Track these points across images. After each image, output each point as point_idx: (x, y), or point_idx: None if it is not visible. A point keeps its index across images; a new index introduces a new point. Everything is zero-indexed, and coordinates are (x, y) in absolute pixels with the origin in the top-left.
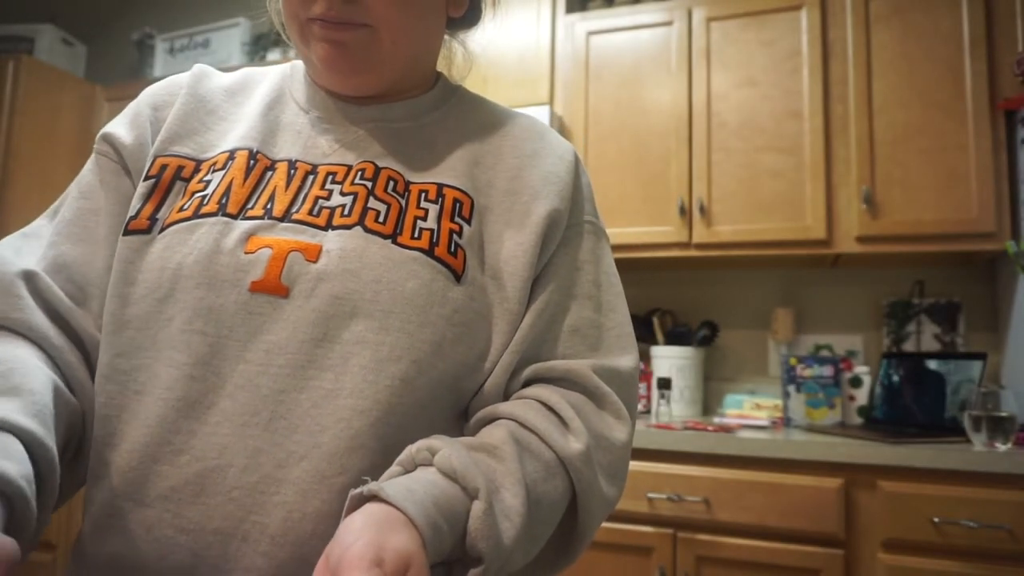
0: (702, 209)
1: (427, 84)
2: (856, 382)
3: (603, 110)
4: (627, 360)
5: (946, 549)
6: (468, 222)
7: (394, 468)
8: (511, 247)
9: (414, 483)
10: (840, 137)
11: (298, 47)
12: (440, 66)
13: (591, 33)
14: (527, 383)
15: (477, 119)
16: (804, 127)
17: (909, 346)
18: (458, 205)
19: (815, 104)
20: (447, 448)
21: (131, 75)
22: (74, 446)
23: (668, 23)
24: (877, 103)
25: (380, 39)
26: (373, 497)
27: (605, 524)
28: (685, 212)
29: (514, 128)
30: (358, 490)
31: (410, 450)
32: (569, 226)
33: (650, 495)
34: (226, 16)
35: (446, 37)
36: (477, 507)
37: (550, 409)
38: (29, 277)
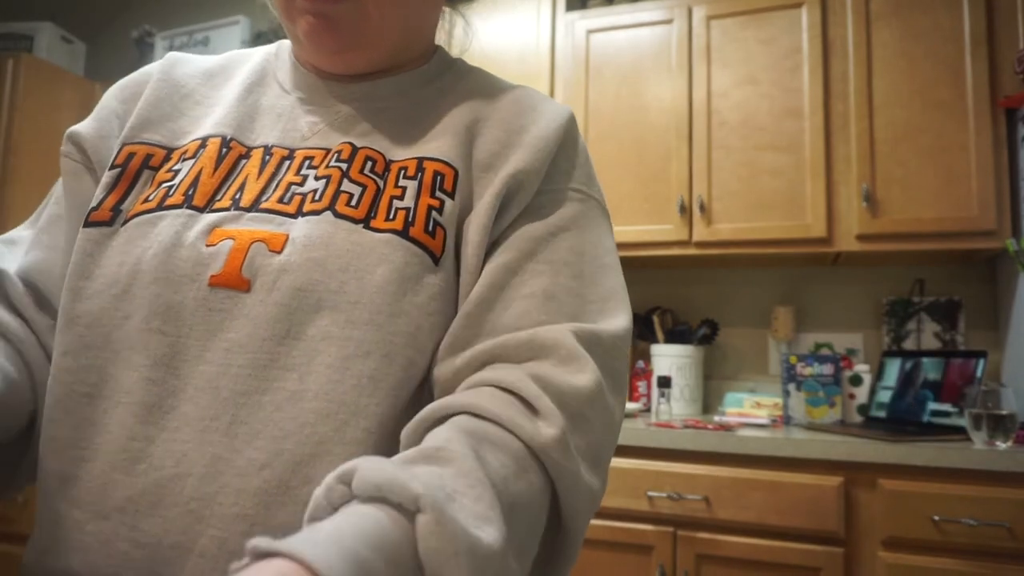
0: (702, 207)
1: (423, 58)
2: (856, 380)
3: (603, 108)
4: (611, 324)
5: (946, 547)
6: (451, 195)
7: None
8: (471, 216)
9: (319, 526)
10: (840, 135)
11: (284, 23)
12: (438, 39)
13: (591, 31)
14: (479, 366)
15: (469, 89)
16: (804, 125)
17: (909, 344)
18: (439, 178)
19: (815, 102)
20: (365, 465)
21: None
22: (16, 437)
23: (668, 21)
24: (877, 101)
25: (367, 12)
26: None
27: (605, 522)
28: (685, 210)
29: (507, 100)
30: (251, 544)
31: (317, 495)
32: (546, 192)
33: (650, 493)
34: (226, 14)
35: (445, 9)
36: (423, 522)
37: (509, 392)
38: None
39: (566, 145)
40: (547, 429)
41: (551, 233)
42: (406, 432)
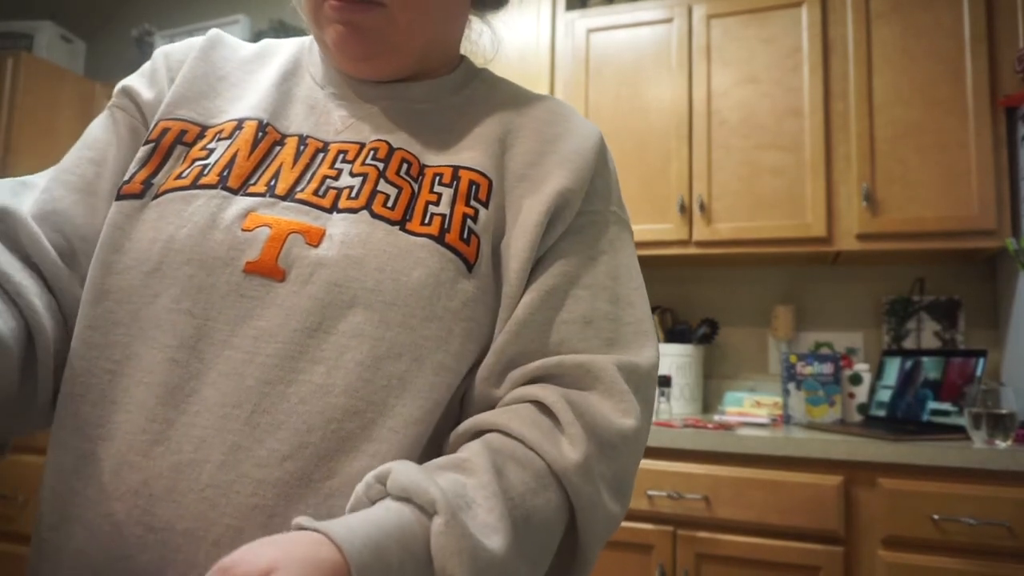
0: (702, 207)
1: (450, 67)
2: (856, 379)
3: (603, 108)
4: (646, 355)
5: (946, 546)
6: (485, 205)
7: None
8: (517, 230)
9: (354, 515)
10: (840, 134)
11: (312, 30)
12: (463, 48)
13: (591, 30)
14: (529, 382)
15: (499, 99)
16: (804, 124)
17: (909, 343)
18: (474, 187)
19: (815, 101)
20: (397, 468)
21: (130, 72)
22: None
23: (668, 20)
24: (878, 100)
25: (395, 20)
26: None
27: None
28: (685, 210)
29: (538, 110)
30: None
31: (358, 490)
32: (586, 212)
33: (650, 493)
34: (226, 13)
35: (471, 17)
36: (436, 523)
37: (544, 410)
38: (2, 214)
39: (601, 166)
40: (571, 454)
41: (591, 257)
42: (449, 442)
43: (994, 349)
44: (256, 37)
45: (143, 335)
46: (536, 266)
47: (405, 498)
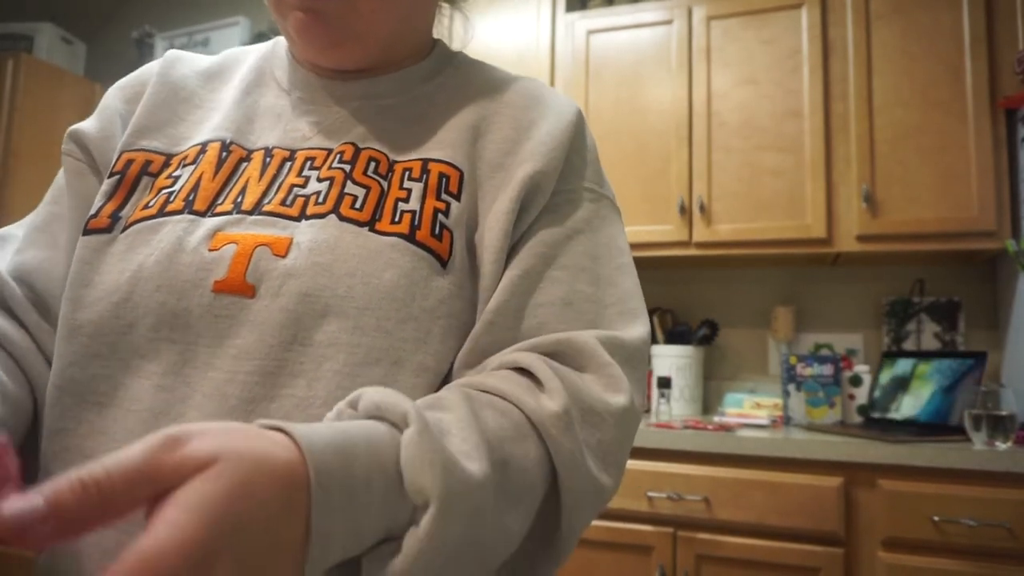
0: (702, 208)
1: (422, 54)
2: (856, 381)
3: (603, 109)
4: (633, 331)
5: (946, 547)
6: (456, 198)
7: None
8: (490, 219)
9: (318, 423)
10: (840, 136)
11: (276, 20)
12: (437, 34)
13: (591, 32)
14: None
15: (474, 85)
16: (804, 126)
17: (909, 345)
18: (444, 180)
19: (815, 103)
20: (369, 390)
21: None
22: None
23: (668, 21)
24: (877, 101)
25: (357, 7)
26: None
27: (604, 523)
28: (685, 211)
29: (513, 95)
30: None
31: (328, 417)
32: (559, 192)
33: (650, 494)
34: (226, 14)
35: (444, 4)
36: (407, 433)
37: (521, 372)
38: None
39: (577, 143)
40: (549, 404)
41: (567, 236)
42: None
43: (994, 350)
44: (256, 39)
45: (126, 365)
46: (510, 253)
47: (378, 416)
